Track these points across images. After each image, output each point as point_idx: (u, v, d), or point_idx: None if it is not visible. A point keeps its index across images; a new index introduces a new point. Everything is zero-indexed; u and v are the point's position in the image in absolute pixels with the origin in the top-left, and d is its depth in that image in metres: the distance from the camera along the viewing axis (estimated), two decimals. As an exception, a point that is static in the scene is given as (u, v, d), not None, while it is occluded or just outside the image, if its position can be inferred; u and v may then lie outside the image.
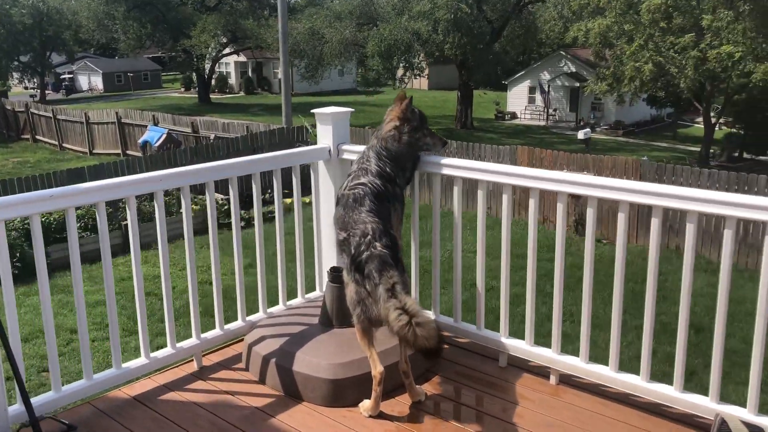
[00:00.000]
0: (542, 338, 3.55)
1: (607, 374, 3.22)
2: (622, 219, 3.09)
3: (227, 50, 47.09)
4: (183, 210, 3.38)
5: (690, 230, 2.91)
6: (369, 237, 3.09)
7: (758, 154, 33.10)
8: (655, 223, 2.97)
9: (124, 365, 3.33)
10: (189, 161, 17.65)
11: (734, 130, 32.96)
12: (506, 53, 36.26)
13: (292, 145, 19.78)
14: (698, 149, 33.53)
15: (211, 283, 3.67)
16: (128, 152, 25.20)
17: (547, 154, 16.95)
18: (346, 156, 4.03)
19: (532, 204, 3.38)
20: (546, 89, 41.89)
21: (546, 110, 42.04)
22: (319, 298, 4.19)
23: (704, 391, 3.01)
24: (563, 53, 41.09)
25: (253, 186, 3.75)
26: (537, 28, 37.24)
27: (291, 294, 4.13)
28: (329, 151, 4.04)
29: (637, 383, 3.14)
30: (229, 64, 56.08)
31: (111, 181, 3.14)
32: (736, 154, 32.49)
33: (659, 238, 3.00)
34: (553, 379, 3.42)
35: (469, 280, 4.12)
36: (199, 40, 39.80)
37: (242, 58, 54.15)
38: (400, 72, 34.76)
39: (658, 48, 25.24)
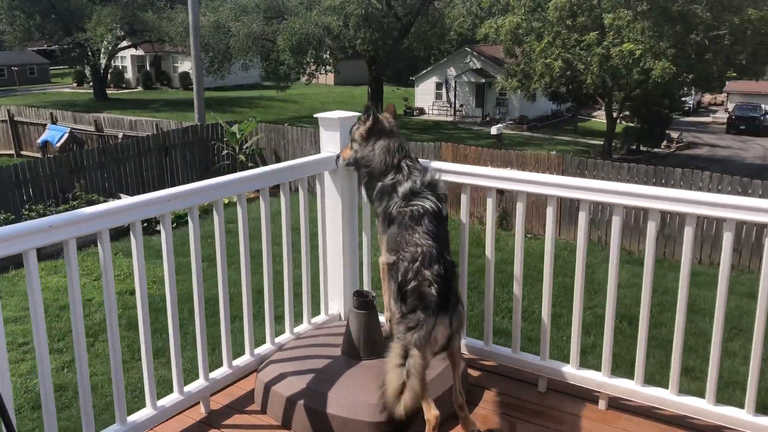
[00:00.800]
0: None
1: (668, 398, 3.03)
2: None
3: (125, 43, 44.69)
4: (204, 231, 2.90)
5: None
6: (417, 263, 2.76)
7: (653, 146, 34.97)
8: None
9: (130, 419, 2.82)
10: (97, 162, 16.48)
11: (632, 124, 34.61)
12: (415, 49, 36.40)
13: (207, 143, 18.90)
14: (598, 142, 35.01)
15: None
16: (23, 153, 23.30)
17: (471, 151, 17.02)
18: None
19: (582, 217, 3.12)
20: (452, 85, 42.47)
21: (453, 106, 42.62)
22: (327, 323, 3.80)
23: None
24: (468, 50, 41.78)
25: (262, 204, 3.30)
26: (444, 24, 37.64)
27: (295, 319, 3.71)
28: (336, 159, 3.64)
29: (701, 406, 2.96)
30: (125, 57, 53.28)
31: (116, 204, 2.62)
32: (634, 147, 34.17)
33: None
34: (602, 404, 3.19)
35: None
36: (95, 33, 37.47)
37: (139, 52, 51.59)
38: (311, 67, 34.19)
39: (565, 45, 26.04)
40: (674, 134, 38.44)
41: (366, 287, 3.85)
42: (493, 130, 32.46)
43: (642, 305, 3.01)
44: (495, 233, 3.37)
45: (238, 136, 18.22)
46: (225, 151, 18.45)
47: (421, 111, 43.61)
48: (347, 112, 3.71)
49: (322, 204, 3.67)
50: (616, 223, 3.00)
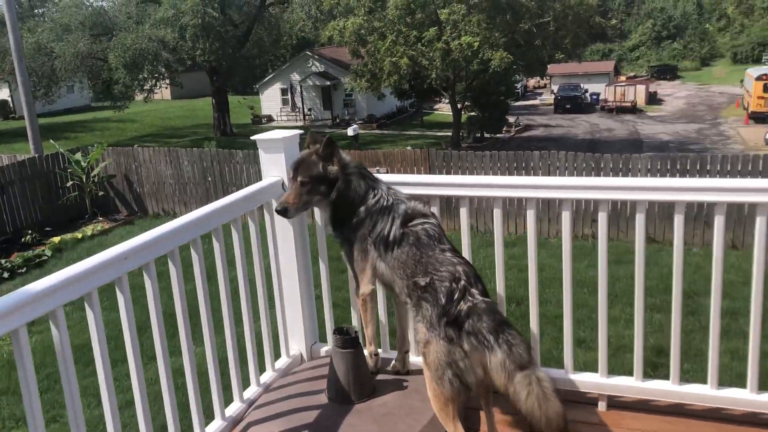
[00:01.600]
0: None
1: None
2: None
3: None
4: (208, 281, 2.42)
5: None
6: (463, 282, 2.53)
7: (495, 132, 36.80)
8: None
9: None
10: None
11: (473, 113, 36.17)
12: (255, 57, 35.61)
13: (49, 176, 17.23)
14: (446, 133, 36.25)
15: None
16: None
17: (337, 155, 16.83)
18: (304, 189, 3.30)
19: (640, 221, 2.99)
20: (298, 90, 42.12)
21: (302, 111, 42.29)
22: (292, 367, 3.42)
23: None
24: (309, 53, 41.63)
25: (216, 244, 2.88)
26: (280, 29, 37.17)
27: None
28: (283, 184, 3.27)
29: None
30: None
31: (67, 275, 2.12)
32: (479, 135, 35.75)
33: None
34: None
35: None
36: None
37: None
38: (149, 82, 32.32)
39: (407, 42, 26.61)
40: (511, 119, 40.70)
41: (328, 322, 3.51)
42: (350, 131, 32.55)
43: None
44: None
45: (83, 164, 16.76)
46: (70, 182, 16.90)
47: (270, 118, 42.88)
48: (287, 131, 3.34)
49: (273, 236, 3.28)
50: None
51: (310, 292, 3.48)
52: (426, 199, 3.12)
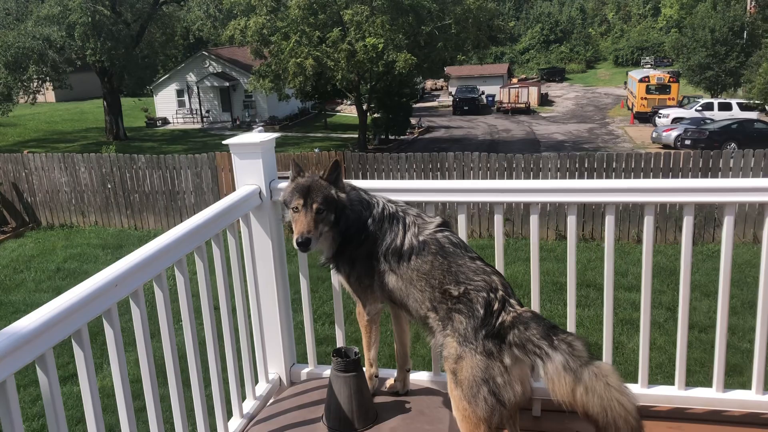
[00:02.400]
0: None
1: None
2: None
3: None
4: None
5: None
6: (501, 292, 2.34)
7: (400, 134, 37.04)
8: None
9: None
10: None
11: (378, 115, 36.24)
12: (148, 57, 34.05)
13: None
14: (351, 135, 36.14)
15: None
16: None
17: (248, 158, 16.27)
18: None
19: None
20: (195, 91, 40.72)
21: (200, 113, 40.90)
22: (274, 393, 3.12)
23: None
24: (206, 53, 40.34)
25: (199, 263, 2.54)
26: (174, 29, 35.80)
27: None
28: (260, 193, 2.96)
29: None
30: None
31: (52, 313, 1.75)
32: (383, 137, 35.86)
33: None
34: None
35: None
36: None
37: None
38: (33, 84, 30.14)
39: (312, 43, 26.25)
40: (413, 121, 41.12)
41: (309, 342, 3.23)
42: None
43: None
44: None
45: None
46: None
47: (165, 121, 41.19)
48: (263, 134, 3.04)
49: (251, 250, 2.97)
50: (609, 222, 2.82)
51: (288, 310, 3.20)
52: (421, 207, 2.92)
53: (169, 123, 41.07)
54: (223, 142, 3.07)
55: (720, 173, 13.78)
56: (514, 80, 67.09)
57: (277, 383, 3.18)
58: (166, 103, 41.51)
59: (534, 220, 2.84)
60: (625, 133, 38.84)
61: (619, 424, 2.16)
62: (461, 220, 2.94)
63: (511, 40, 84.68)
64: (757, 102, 36.32)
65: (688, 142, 28.84)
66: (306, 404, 2.87)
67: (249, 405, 2.95)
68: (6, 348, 1.54)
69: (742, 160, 13.72)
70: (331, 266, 2.73)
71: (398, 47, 26.65)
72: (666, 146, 30.11)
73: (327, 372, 3.23)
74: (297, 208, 2.54)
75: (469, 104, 51.91)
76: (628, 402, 2.18)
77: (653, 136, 33.19)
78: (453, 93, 56.09)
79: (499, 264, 2.86)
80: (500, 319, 2.30)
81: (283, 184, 2.99)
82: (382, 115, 35.35)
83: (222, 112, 41.12)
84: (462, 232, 2.90)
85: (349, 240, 2.60)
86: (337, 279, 3.09)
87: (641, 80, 43.96)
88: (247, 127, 38.32)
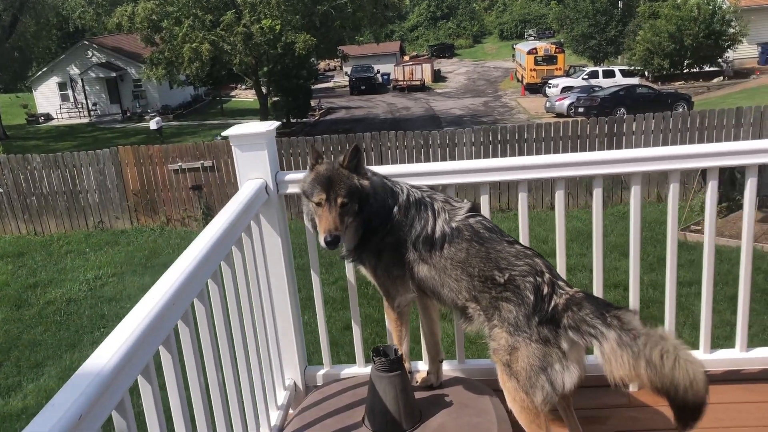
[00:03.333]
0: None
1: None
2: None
3: None
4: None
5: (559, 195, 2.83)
6: (547, 275, 2.23)
7: (301, 117, 36.50)
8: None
9: None
10: None
11: (277, 98, 35.50)
12: (26, 49, 31.64)
13: None
14: (249, 121, 35.20)
15: None
16: None
17: (155, 150, 15.48)
18: (291, 189, 2.78)
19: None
20: (79, 84, 38.32)
21: (86, 106, 38.56)
22: (295, 401, 2.91)
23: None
24: (87, 43, 37.97)
25: (227, 271, 2.29)
26: (48, 19, 33.44)
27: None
28: (266, 187, 2.72)
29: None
30: None
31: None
32: (285, 120, 35.19)
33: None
34: (633, 386, 2.99)
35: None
36: None
37: None
38: None
39: (206, 26, 25.24)
40: (313, 102, 40.62)
41: (324, 343, 3.03)
42: (153, 124, 30.27)
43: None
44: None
45: None
46: None
47: (48, 117, 38.56)
48: (267, 122, 2.79)
49: (263, 250, 2.72)
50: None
51: (299, 309, 2.99)
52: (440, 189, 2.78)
53: (53, 119, 38.49)
54: (222, 133, 2.80)
55: (624, 137, 14.43)
56: (407, 58, 67.59)
57: (293, 389, 2.97)
58: (47, 97, 38.80)
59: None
60: (518, 104, 40.03)
61: (689, 395, 2.11)
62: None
63: (400, 18, 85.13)
64: (638, 68, 38.42)
65: (581, 109, 30.06)
66: (338, 409, 2.68)
67: (274, 417, 2.72)
68: (89, 398, 1.28)
69: (644, 123, 14.41)
70: (352, 259, 2.55)
71: (296, 28, 26.12)
72: (559, 115, 31.26)
73: (346, 372, 3.06)
74: (320, 203, 2.34)
75: (365, 83, 51.87)
76: (699, 370, 2.13)
77: (547, 105, 34.39)
78: (348, 73, 55.84)
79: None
80: (552, 303, 2.20)
81: (291, 176, 2.77)
82: (281, 98, 34.67)
83: (110, 104, 38.94)
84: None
85: (374, 230, 2.43)
86: (353, 273, 2.91)
87: (529, 52, 45.38)
88: (139, 119, 36.62)
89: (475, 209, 2.46)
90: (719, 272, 8.03)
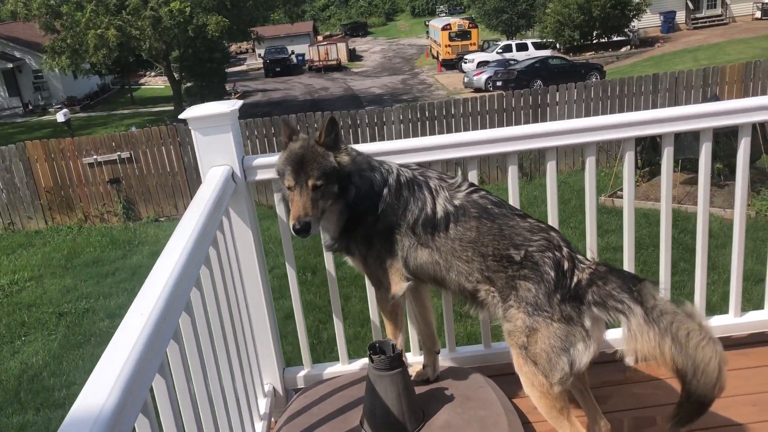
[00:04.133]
0: None
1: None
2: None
3: None
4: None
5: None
6: (566, 250, 2.07)
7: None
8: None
9: None
10: None
11: (190, 84, 34.21)
12: None
13: None
14: (163, 109, 33.84)
15: None
16: None
17: (66, 143, 14.53)
18: (261, 176, 2.49)
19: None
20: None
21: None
22: (276, 408, 2.64)
23: None
24: (-25, 32, 35.40)
25: (207, 273, 1.99)
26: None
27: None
28: (233, 174, 2.42)
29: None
30: None
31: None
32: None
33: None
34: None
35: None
36: None
37: None
38: None
39: (110, 11, 23.90)
40: (228, 86, 39.43)
41: (303, 342, 2.77)
42: (60, 116, 28.27)
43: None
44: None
45: None
46: None
47: (-62, 114, 35.83)
48: (230, 101, 2.47)
49: (234, 245, 2.42)
50: (627, 158, 2.64)
51: (272, 307, 2.71)
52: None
53: (-55, 115, 35.81)
54: (180, 116, 2.46)
55: (549, 108, 14.61)
56: (320, 38, 66.67)
57: (272, 395, 2.70)
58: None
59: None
60: (436, 81, 40.18)
61: (702, 380, 1.97)
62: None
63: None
64: (550, 40, 39.24)
65: (499, 83, 30.44)
66: (329, 414, 2.44)
67: (258, 428, 2.45)
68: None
69: (566, 94, 14.63)
70: (336, 249, 2.31)
71: (207, 10, 25.14)
72: (478, 90, 31.56)
73: (329, 371, 2.82)
74: (291, 186, 2.09)
75: (280, 65, 50.81)
76: (720, 350, 2.00)
77: (465, 81, 34.64)
78: (262, 55, 54.55)
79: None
80: (576, 279, 2.04)
81: (261, 160, 2.48)
82: (194, 83, 33.41)
83: (9, 97, 36.52)
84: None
85: (361, 215, 2.19)
86: (332, 264, 2.66)
87: (443, 28, 45.59)
88: (43, 112, 34.60)
89: (472, 183, 2.26)
90: (649, 235, 8.25)
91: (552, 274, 2.03)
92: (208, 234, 1.95)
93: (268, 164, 2.47)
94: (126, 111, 35.09)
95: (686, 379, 1.99)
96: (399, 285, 2.27)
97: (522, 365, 2.10)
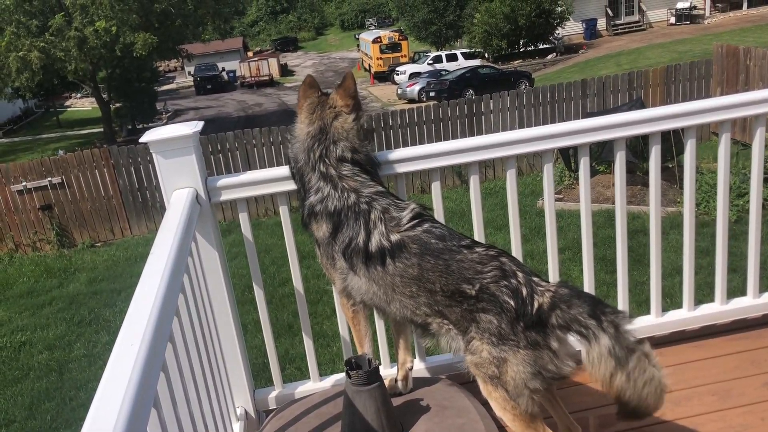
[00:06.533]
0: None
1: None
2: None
3: None
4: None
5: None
6: (521, 275, 2.04)
7: (148, 122, 34.56)
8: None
9: None
10: None
11: (119, 104, 33.35)
12: None
13: None
14: (92, 131, 32.91)
15: None
16: None
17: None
18: (226, 196, 2.46)
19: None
20: None
21: None
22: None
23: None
24: None
25: (182, 303, 1.95)
26: None
27: None
28: (197, 197, 2.38)
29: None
30: None
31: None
32: (131, 127, 33.21)
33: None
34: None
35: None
36: None
37: None
38: None
39: (32, 33, 23.12)
40: (158, 106, 38.65)
41: (274, 362, 2.74)
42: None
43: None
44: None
45: None
46: None
47: None
48: (192, 122, 2.44)
49: (201, 269, 2.38)
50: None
51: (240, 328, 2.68)
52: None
53: None
54: (140, 140, 2.40)
55: (483, 116, 14.91)
56: (251, 54, 66.19)
57: (244, 418, 2.67)
58: None
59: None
60: (369, 93, 40.42)
61: (646, 411, 2.05)
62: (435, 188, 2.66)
63: (238, 14, 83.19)
64: (478, 50, 40.09)
65: (432, 93, 30.86)
66: (306, 434, 2.42)
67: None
68: None
69: (500, 101, 14.98)
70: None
71: (133, 28, 24.60)
72: (411, 101, 31.91)
73: (301, 390, 2.80)
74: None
75: (211, 82, 50.26)
76: (663, 391, 2.05)
77: (398, 92, 34.99)
78: (192, 72, 53.73)
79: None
80: (536, 304, 2.02)
81: (225, 181, 2.47)
82: (123, 103, 32.61)
83: (-77, 124, 34.80)
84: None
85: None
86: (299, 278, 2.66)
87: (374, 41, 45.99)
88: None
89: (420, 214, 2.19)
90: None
91: (512, 303, 2.02)
92: (181, 263, 1.92)
93: (233, 185, 2.46)
94: (52, 135, 33.94)
95: (626, 406, 2.05)
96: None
97: (492, 391, 2.09)
